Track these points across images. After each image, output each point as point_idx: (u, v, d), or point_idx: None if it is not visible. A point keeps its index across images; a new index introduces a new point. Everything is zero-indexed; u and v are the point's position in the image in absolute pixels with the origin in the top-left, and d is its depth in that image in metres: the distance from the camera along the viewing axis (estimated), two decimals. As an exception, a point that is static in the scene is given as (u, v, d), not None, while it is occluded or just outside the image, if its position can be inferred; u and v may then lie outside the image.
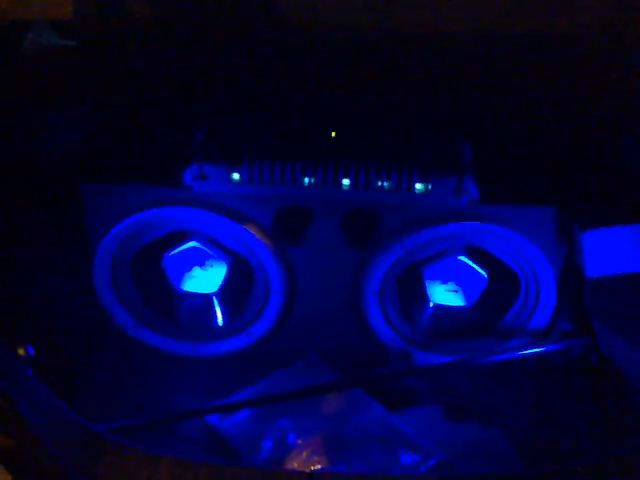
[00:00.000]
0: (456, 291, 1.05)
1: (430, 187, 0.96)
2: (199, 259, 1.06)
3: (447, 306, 1.06)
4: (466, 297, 1.05)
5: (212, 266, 1.07)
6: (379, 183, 0.96)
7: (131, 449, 0.73)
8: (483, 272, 1.01)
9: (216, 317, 1.08)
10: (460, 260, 1.02)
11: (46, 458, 0.69)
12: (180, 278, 1.07)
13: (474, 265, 1.01)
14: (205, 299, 1.08)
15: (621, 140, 0.92)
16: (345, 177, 0.96)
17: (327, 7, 0.81)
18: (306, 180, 0.97)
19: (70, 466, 0.70)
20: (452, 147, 0.98)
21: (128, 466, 0.71)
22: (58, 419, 0.73)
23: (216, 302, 1.08)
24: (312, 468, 0.86)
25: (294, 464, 0.87)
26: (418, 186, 0.96)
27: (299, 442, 0.90)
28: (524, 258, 0.98)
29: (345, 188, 0.97)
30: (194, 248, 1.03)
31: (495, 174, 0.97)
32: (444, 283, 1.05)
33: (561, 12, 0.66)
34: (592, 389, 0.97)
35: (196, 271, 1.07)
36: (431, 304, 1.06)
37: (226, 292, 1.07)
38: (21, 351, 0.77)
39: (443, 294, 1.06)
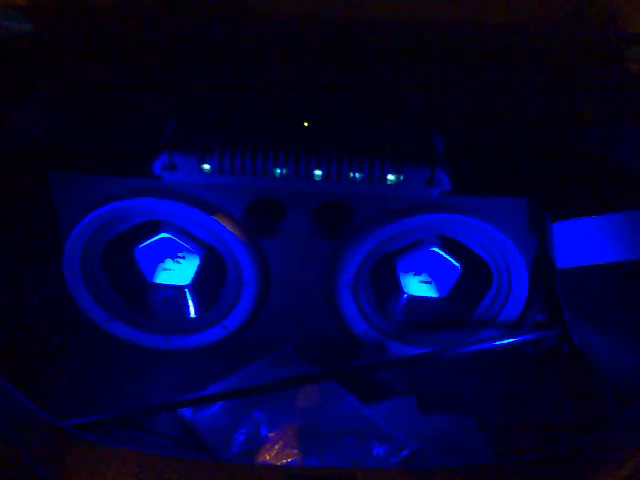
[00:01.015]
0: (430, 282, 1.05)
1: (402, 178, 0.95)
2: (171, 251, 1.05)
3: (421, 297, 1.05)
4: (439, 288, 1.04)
5: (184, 258, 1.05)
6: (351, 174, 0.96)
7: (98, 444, 0.72)
8: (456, 263, 1.01)
9: (189, 310, 1.07)
10: (433, 251, 1.02)
11: (12, 454, 0.68)
12: (152, 270, 1.05)
13: (447, 256, 1.01)
14: (178, 291, 1.07)
15: (591, 132, 0.93)
16: (317, 168, 0.96)
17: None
18: (278, 171, 0.96)
19: (36, 462, 0.69)
20: (424, 139, 0.98)
21: (95, 461, 0.70)
22: (24, 415, 0.71)
23: (189, 294, 1.07)
24: (284, 461, 0.86)
25: (266, 457, 0.86)
26: (390, 177, 0.95)
27: (271, 435, 0.89)
28: (496, 249, 0.98)
29: (317, 179, 0.96)
30: (166, 239, 1.02)
31: (467, 165, 0.97)
32: (418, 274, 1.05)
33: (526, 4, 0.66)
34: (564, 379, 0.98)
35: (168, 263, 1.06)
36: (405, 295, 1.06)
37: (199, 284, 1.06)
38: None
39: (417, 285, 1.05)
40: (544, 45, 0.74)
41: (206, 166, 0.96)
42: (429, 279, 1.05)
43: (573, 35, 0.68)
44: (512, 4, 0.65)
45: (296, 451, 0.87)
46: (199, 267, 1.04)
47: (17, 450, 0.68)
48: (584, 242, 0.90)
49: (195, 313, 1.08)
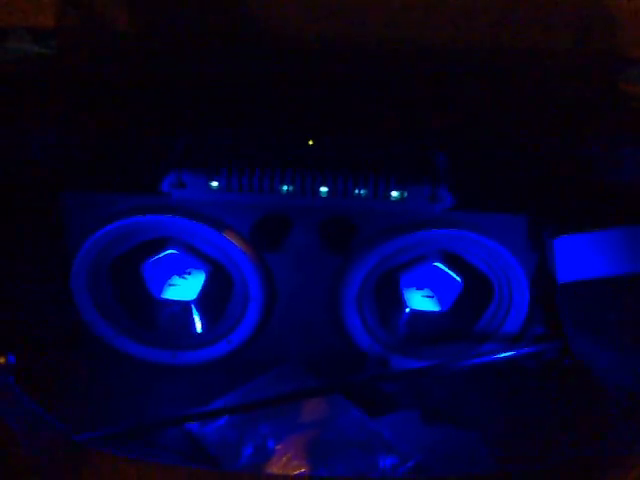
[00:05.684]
0: (432, 297, 1.07)
1: (405, 195, 0.98)
2: (178, 267, 1.06)
3: (423, 311, 1.07)
4: (441, 302, 1.06)
5: (191, 274, 1.07)
6: (356, 191, 0.98)
7: (114, 457, 0.73)
8: (458, 278, 1.03)
9: (195, 325, 1.09)
10: (435, 266, 1.03)
11: (29, 469, 0.69)
12: (159, 286, 1.07)
13: (449, 271, 1.03)
14: (184, 307, 1.08)
15: (590, 151, 0.95)
16: (323, 185, 0.98)
17: (303, 17, 0.82)
18: (284, 188, 0.98)
19: (53, 476, 0.70)
20: (427, 156, 1.00)
21: (112, 474, 0.71)
22: (42, 429, 0.72)
23: (195, 310, 1.08)
24: (292, 473, 0.87)
25: (274, 469, 0.88)
26: (394, 194, 0.98)
27: (278, 447, 0.90)
28: (497, 264, 1.00)
29: (323, 196, 0.98)
30: (172, 255, 1.03)
31: (469, 182, 0.99)
32: (420, 289, 1.07)
33: (530, 26, 0.68)
34: (564, 391, 1.00)
35: (175, 279, 1.07)
36: (407, 310, 1.08)
37: (205, 300, 1.07)
38: (2, 360, 0.77)
39: (419, 300, 1.07)
40: (545, 70, 0.76)
41: (214, 184, 0.98)
42: (431, 293, 1.07)
43: (574, 60, 0.70)
44: (516, 31, 0.68)
45: (304, 463, 0.88)
46: (205, 283, 1.06)
47: (35, 463, 0.69)
48: (584, 257, 0.92)
49: (201, 328, 1.09)
